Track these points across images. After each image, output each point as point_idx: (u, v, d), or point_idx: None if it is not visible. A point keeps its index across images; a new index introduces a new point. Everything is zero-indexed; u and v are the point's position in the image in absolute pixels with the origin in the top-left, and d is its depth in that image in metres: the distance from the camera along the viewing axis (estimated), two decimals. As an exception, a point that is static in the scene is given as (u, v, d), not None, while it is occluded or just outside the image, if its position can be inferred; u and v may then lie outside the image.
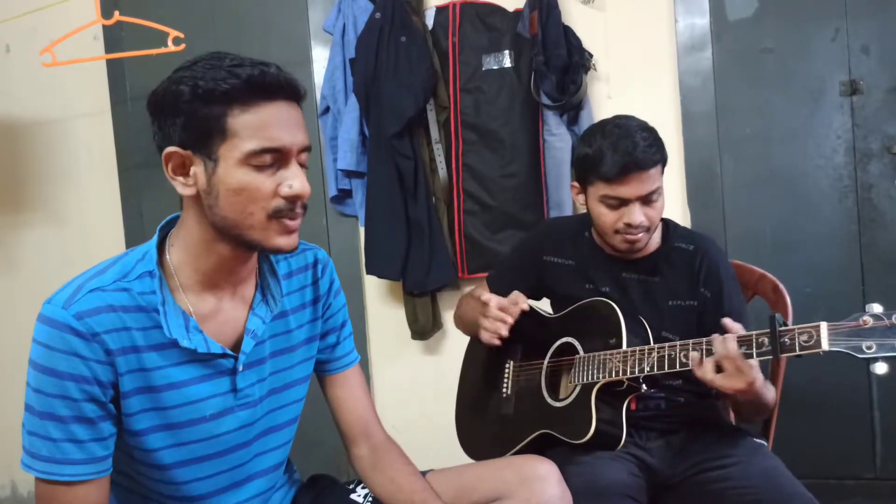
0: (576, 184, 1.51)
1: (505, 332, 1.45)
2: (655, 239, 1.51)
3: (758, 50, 2.18)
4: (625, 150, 1.36)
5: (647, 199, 1.39)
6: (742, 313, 1.44)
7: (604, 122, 1.45)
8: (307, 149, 1.01)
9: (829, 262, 2.16)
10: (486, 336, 1.47)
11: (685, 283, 1.47)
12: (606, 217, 1.42)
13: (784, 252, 2.18)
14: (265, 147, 0.94)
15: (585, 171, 1.44)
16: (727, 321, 1.27)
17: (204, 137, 0.95)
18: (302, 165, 1.00)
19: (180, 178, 0.98)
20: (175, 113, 0.96)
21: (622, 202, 1.39)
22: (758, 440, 1.45)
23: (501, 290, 1.65)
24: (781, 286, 1.58)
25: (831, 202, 2.16)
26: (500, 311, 1.45)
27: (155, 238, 1.04)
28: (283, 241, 0.99)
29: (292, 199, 0.97)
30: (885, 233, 2.13)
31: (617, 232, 1.42)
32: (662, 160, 1.42)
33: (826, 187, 2.16)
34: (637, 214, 1.39)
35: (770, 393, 1.37)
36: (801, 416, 2.13)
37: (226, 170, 0.95)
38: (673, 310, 1.46)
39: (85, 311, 0.94)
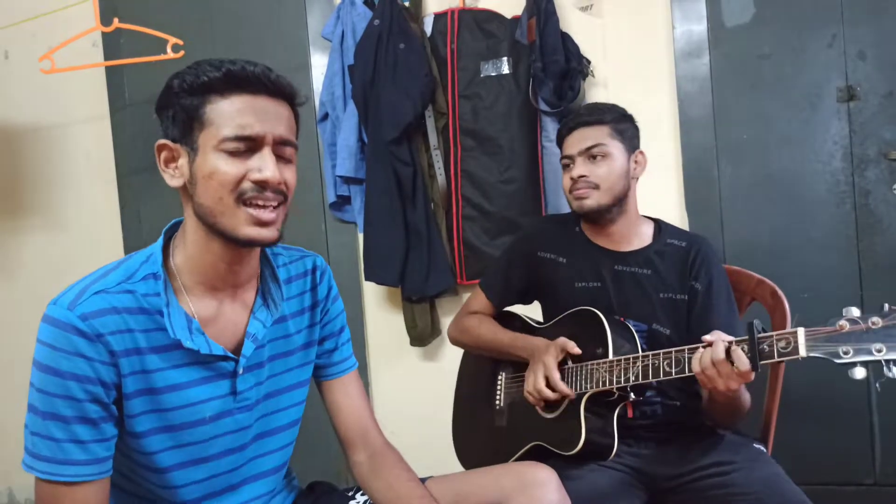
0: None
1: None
2: (647, 235, 1.55)
3: (755, 56, 2.18)
4: (576, 113, 1.53)
5: (589, 155, 1.49)
6: (731, 313, 1.47)
7: None
8: (288, 143, 1.01)
9: (826, 268, 2.16)
10: (532, 395, 1.43)
11: (677, 277, 1.49)
12: (565, 180, 1.54)
13: (782, 257, 2.18)
14: (238, 134, 0.96)
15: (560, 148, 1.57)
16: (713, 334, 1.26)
17: (187, 127, 0.98)
18: (284, 158, 1.01)
19: (169, 170, 1.02)
20: (167, 106, 1.00)
21: (570, 160, 1.52)
22: (757, 446, 1.45)
23: (497, 292, 1.66)
24: (780, 292, 1.58)
25: (829, 208, 2.17)
26: (549, 390, 1.40)
27: (160, 241, 1.05)
28: (254, 232, 0.98)
29: (261, 185, 0.97)
30: (882, 238, 2.14)
31: (570, 192, 1.52)
32: (613, 121, 1.50)
33: (823, 193, 2.17)
34: (578, 168, 1.49)
35: (746, 396, 1.37)
36: (801, 421, 2.13)
37: (203, 157, 0.97)
38: (664, 302, 1.48)
39: (90, 312, 0.95)
